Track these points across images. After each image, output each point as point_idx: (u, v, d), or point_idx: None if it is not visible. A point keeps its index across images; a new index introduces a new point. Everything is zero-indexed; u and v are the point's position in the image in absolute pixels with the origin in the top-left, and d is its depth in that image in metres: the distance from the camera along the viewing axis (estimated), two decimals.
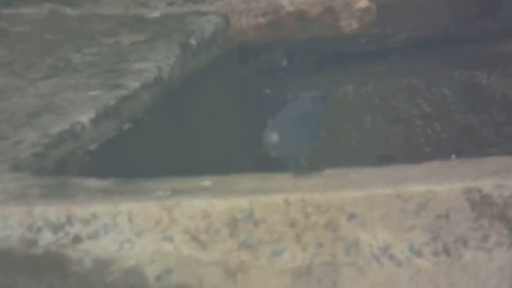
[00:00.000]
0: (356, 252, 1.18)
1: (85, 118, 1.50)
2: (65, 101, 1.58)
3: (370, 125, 1.93)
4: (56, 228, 1.22)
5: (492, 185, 1.17)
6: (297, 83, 1.94)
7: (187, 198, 1.22)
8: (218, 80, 1.85)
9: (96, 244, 1.21)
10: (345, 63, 1.96)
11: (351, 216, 1.19)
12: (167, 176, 1.32)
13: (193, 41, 1.83)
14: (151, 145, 1.60)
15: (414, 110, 1.93)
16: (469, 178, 1.19)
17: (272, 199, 1.20)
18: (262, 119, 1.52)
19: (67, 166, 1.42)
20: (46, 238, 1.22)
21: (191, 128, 1.74)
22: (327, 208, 1.19)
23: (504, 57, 1.93)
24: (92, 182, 1.31)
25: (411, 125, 1.92)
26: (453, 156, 1.61)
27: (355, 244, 1.18)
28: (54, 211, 1.22)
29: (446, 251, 1.17)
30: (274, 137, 1.29)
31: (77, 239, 1.21)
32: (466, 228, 1.17)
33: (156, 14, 1.99)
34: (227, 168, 1.35)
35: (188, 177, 1.31)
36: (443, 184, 1.19)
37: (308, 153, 1.30)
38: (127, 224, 1.21)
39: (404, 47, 1.96)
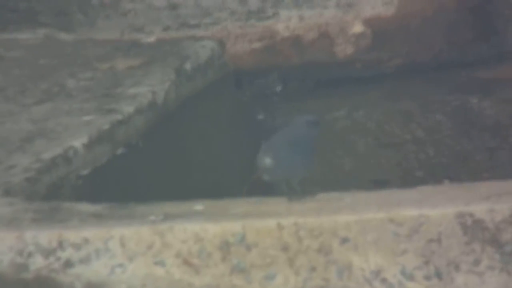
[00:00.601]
0: (349, 276, 1.17)
1: (78, 143, 1.50)
2: (58, 126, 1.58)
3: (363, 150, 1.93)
4: (48, 252, 1.21)
5: (484, 209, 1.17)
6: (292, 107, 1.95)
7: (180, 222, 1.22)
8: (213, 104, 1.86)
9: (87, 268, 1.20)
10: (339, 88, 1.97)
11: (344, 240, 1.18)
12: (160, 200, 1.32)
13: (188, 66, 1.84)
14: (144, 170, 1.60)
15: (407, 135, 1.94)
16: (462, 202, 1.20)
17: (265, 223, 1.20)
18: (256, 143, 1.52)
19: (60, 190, 1.42)
20: (37, 262, 1.21)
21: (185, 153, 1.74)
22: (320, 232, 1.19)
23: (497, 83, 1.94)
24: (85, 207, 1.31)
25: (404, 149, 1.93)
26: (446, 181, 1.62)
27: (347, 268, 1.17)
28: (45, 236, 1.22)
29: (438, 275, 1.16)
30: (267, 161, 1.30)
31: (68, 264, 1.21)
32: (458, 252, 1.17)
33: (152, 39, 2.00)
34: (221, 192, 1.35)
35: (181, 201, 1.31)
36: (436, 209, 1.19)
37: (302, 177, 1.30)
38: (119, 249, 1.21)
39: (398, 72, 1.97)
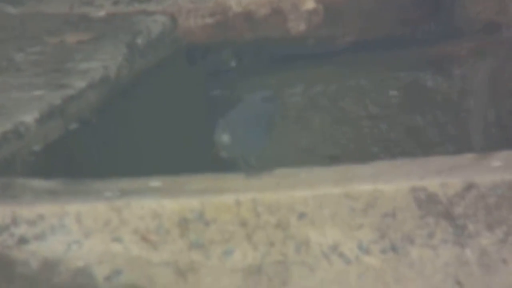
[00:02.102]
0: (306, 250, 1.19)
1: (29, 118, 1.47)
2: (8, 101, 1.54)
3: (318, 126, 1.95)
4: (1, 229, 1.19)
5: (437, 184, 1.20)
6: (246, 84, 1.95)
7: (137, 199, 1.21)
8: (166, 80, 1.84)
9: (43, 245, 1.18)
10: (293, 64, 1.98)
11: (301, 215, 1.20)
12: (116, 176, 1.30)
13: (140, 41, 1.81)
14: (98, 146, 1.58)
15: (362, 111, 1.96)
16: (415, 177, 1.22)
17: (223, 199, 1.20)
18: (211, 119, 1.51)
19: (12, 166, 1.39)
20: None
21: (139, 129, 1.72)
22: (277, 207, 1.20)
23: (447, 59, 1.98)
24: (38, 183, 1.28)
25: (359, 125, 1.95)
26: (399, 156, 1.64)
27: (305, 243, 1.19)
28: None
29: (394, 248, 1.19)
30: (225, 137, 1.29)
31: (23, 240, 1.19)
32: (412, 226, 1.19)
33: (102, 13, 1.96)
34: (177, 168, 1.34)
35: (137, 177, 1.29)
36: (390, 183, 1.21)
37: (259, 153, 1.31)
38: (75, 225, 1.19)
39: (351, 49, 1.99)
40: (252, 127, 1.32)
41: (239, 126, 1.31)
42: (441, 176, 1.21)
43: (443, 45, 1.98)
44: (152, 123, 1.75)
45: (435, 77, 1.96)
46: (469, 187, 1.19)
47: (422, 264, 1.18)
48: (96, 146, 1.58)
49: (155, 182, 1.27)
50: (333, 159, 1.88)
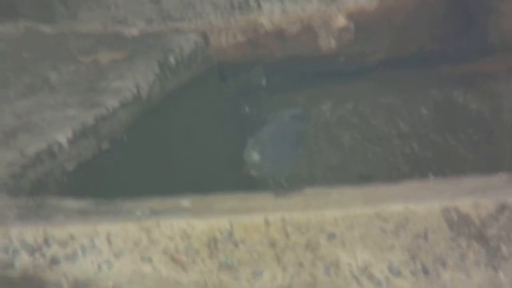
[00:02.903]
0: (336, 272, 1.18)
1: (62, 137, 1.49)
2: (42, 120, 1.56)
3: (349, 144, 1.94)
4: (33, 249, 1.20)
5: (469, 204, 1.18)
6: (277, 101, 1.95)
7: (167, 218, 1.21)
8: (197, 98, 1.85)
9: (73, 265, 1.19)
10: (323, 82, 1.98)
11: (331, 236, 1.19)
12: (146, 196, 1.31)
13: (172, 59, 1.83)
14: (130, 165, 1.59)
15: (392, 129, 1.95)
16: (447, 197, 1.20)
17: (252, 219, 1.20)
18: (241, 137, 1.51)
19: (45, 186, 1.40)
20: (23, 259, 1.20)
21: (170, 147, 1.73)
22: (307, 227, 1.19)
23: (479, 77, 1.96)
24: (70, 203, 1.30)
25: (390, 144, 1.94)
26: (431, 176, 1.63)
27: (335, 264, 1.18)
28: (31, 232, 1.21)
29: (425, 270, 1.17)
30: (255, 156, 1.29)
31: (54, 261, 1.20)
32: (444, 247, 1.17)
33: (135, 31, 1.98)
34: (207, 187, 1.35)
35: (167, 197, 1.30)
36: (422, 204, 1.20)
37: (289, 172, 1.30)
38: (105, 245, 1.20)
39: (381, 66, 1.98)
40: (282, 145, 1.31)
41: (270, 144, 1.31)
42: (474, 196, 1.20)
43: (475, 62, 1.96)
44: (183, 140, 1.76)
45: (467, 95, 1.94)
46: (503, 208, 1.17)
47: (454, 287, 1.16)
48: (128, 165, 1.59)
49: (184, 202, 1.28)
50: (363, 178, 1.86)
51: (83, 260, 1.20)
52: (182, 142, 1.77)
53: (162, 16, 2.03)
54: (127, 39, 1.96)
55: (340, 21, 1.98)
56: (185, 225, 1.20)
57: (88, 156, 1.50)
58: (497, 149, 1.92)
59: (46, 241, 1.20)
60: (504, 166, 1.87)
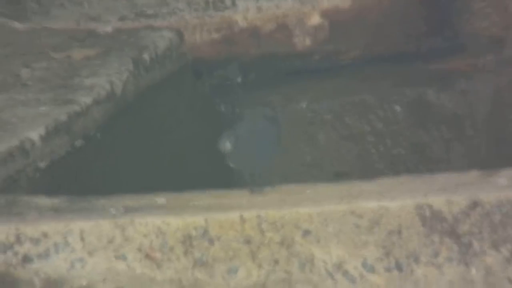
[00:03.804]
0: (311, 268, 1.18)
1: (35, 134, 1.47)
2: (14, 117, 1.54)
3: (324, 141, 1.95)
4: (5, 247, 1.19)
5: (442, 201, 1.19)
6: (251, 98, 1.95)
7: (141, 216, 1.21)
8: (172, 95, 1.85)
9: (46, 263, 1.18)
10: (298, 79, 1.98)
11: (306, 232, 1.19)
12: (121, 193, 1.30)
13: (146, 56, 1.82)
14: (104, 162, 1.58)
15: (366, 127, 1.96)
16: (420, 194, 1.21)
17: (227, 216, 1.20)
18: (216, 134, 1.51)
19: (17, 183, 1.39)
20: None
21: (144, 144, 1.72)
22: (282, 224, 1.19)
23: (452, 75, 1.98)
24: (42, 200, 1.28)
25: (364, 141, 1.95)
26: (404, 173, 1.64)
27: (309, 260, 1.18)
28: (2, 230, 1.19)
29: (398, 266, 1.18)
30: (229, 145, 1.30)
31: (26, 259, 1.18)
32: (417, 243, 1.18)
33: (108, 28, 1.97)
34: (182, 184, 1.34)
35: (142, 194, 1.29)
36: (395, 200, 1.20)
37: (264, 166, 1.31)
38: (79, 243, 1.19)
39: (356, 64, 1.99)
40: (257, 141, 1.32)
41: (245, 137, 1.32)
42: (446, 193, 1.21)
43: (448, 60, 1.98)
44: (157, 137, 1.75)
45: (440, 93, 1.96)
46: (475, 204, 1.18)
47: (427, 282, 1.17)
48: (101, 163, 1.58)
49: (159, 199, 1.27)
50: (338, 175, 1.87)
51: (56, 258, 1.18)
52: (156, 138, 1.76)
53: (135, 13, 2.02)
54: (100, 36, 1.94)
55: (315, 19, 1.99)
56: (160, 222, 1.19)
57: (61, 153, 1.49)
58: (470, 147, 1.94)
59: (18, 239, 1.19)
60: (476, 163, 1.89)
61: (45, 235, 1.19)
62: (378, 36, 2.00)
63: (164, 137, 1.77)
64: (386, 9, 2.01)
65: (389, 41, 2.01)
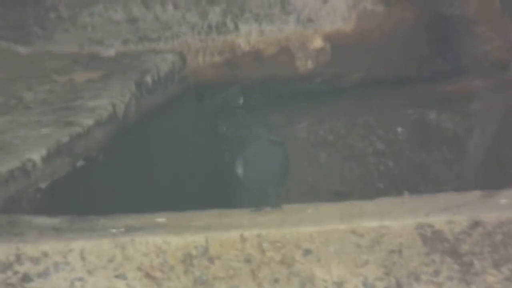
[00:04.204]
0: (311, 287, 1.17)
1: (36, 155, 1.48)
2: (16, 138, 1.55)
3: (325, 162, 1.95)
4: (5, 267, 1.18)
5: (443, 221, 1.19)
6: (254, 121, 1.95)
7: (142, 235, 1.21)
8: (174, 118, 1.85)
9: (46, 282, 1.18)
10: (301, 102, 1.99)
11: (307, 252, 1.19)
12: (122, 213, 1.30)
13: (148, 79, 1.83)
14: (105, 183, 1.58)
15: (368, 148, 1.96)
16: (421, 214, 1.21)
17: (228, 235, 1.20)
18: (217, 156, 1.51)
19: (18, 204, 1.39)
20: None
21: (146, 166, 1.72)
22: (283, 243, 1.19)
23: (453, 97, 1.98)
24: (43, 220, 1.28)
25: (365, 162, 1.95)
26: (406, 193, 1.64)
27: (310, 279, 1.17)
28: (2, 250, 1.19)
29: (399, 285, 1.17)
30: (244, 171, 1.30)
31: (26, 278, 1.18)
32: (418, 263, 1.18)
33: (111, 52, 1.98)
34: (183, 204, 1.34)
35: (143, 214, 1.29)
36: (396, 220, 1.20)
37: (278, 186, 1.31)
38: (79, 262, 1.19)
39: (358, 87, 2.00)
40: (269, 165, 1.32)
41: (258, 162, 1.32)
42: (448, 213, 1.20)
43: (450, 82, 1.98)
44: (159, 159, 1.75)
45: (442, 114, 1.96)
46: (476, 224, 1.18)
47: None
48: (103, 184, 1.58)
49: (160, 218, 1.27)
50: (339, 195, 1.87)
51: (55, 277, 1.18)
52: (158, 160, 1.76)
53: (139, 37, 2.04)
54: (104, 60, 1.95)
55: (317, 42, 2.00)
56: (160, 241, 1.19)
57: (62, 174, 1.49)
58: (471, 167, 1.94)
59: (18, 258, 1.19)
60: (477, 183, 1.89)
61: (45, 254, 1.19)
62: (380, 59, 2.01)
63: (165, 159, 1.77)
64: (387, 33, 2.02)
65: (391, 64, 2.02)
